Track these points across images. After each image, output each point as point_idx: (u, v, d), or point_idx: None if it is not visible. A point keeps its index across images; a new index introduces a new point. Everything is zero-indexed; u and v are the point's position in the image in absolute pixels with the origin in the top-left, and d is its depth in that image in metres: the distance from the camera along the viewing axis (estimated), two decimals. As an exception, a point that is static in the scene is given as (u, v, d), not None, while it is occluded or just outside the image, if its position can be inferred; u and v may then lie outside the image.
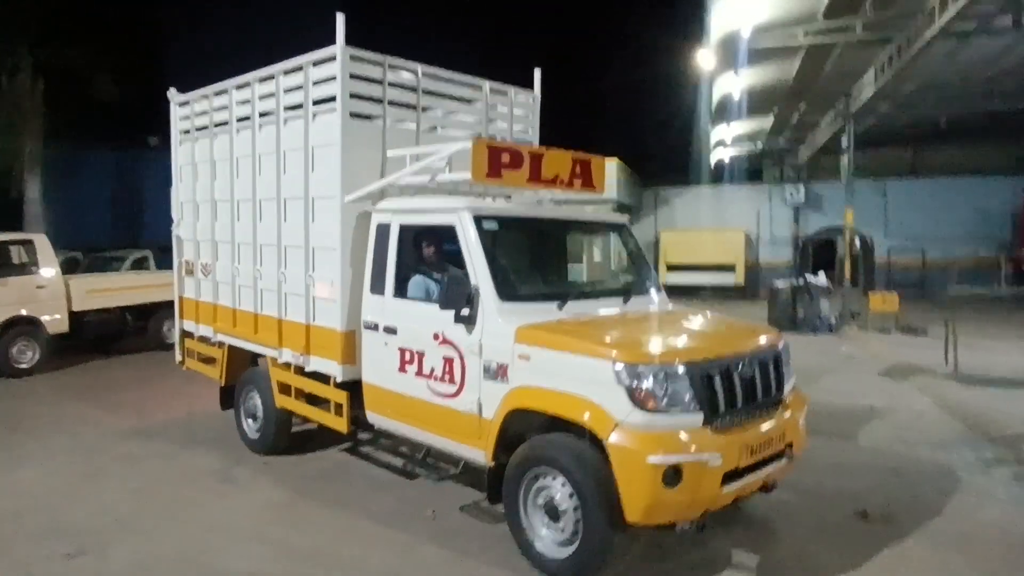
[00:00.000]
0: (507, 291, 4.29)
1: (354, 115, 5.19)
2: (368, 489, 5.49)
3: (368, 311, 5.08)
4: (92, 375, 10.23)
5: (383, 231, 5.02)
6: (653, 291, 5.23)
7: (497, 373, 4.14)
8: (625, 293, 4.98)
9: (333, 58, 5.12)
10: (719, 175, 25.14)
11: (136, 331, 12.12)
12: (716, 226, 22.63)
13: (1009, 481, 5.57)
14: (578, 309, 4.50)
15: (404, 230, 4.90)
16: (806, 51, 11.70)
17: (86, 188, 22.24)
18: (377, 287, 5.02)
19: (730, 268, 22.15)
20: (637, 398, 3.56)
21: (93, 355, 11.46)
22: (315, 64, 5.36)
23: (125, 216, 23.01)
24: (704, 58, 13.61)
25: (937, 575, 4.04)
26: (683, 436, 3.58)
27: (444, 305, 4.28)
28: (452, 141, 5.85)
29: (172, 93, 7.29)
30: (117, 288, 11.76)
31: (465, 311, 4.26)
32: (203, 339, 7.09)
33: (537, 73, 6.50)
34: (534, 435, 4.10)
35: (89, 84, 18.18)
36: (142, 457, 6.32)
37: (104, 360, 11.30)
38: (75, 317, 10.84)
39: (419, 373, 4.66)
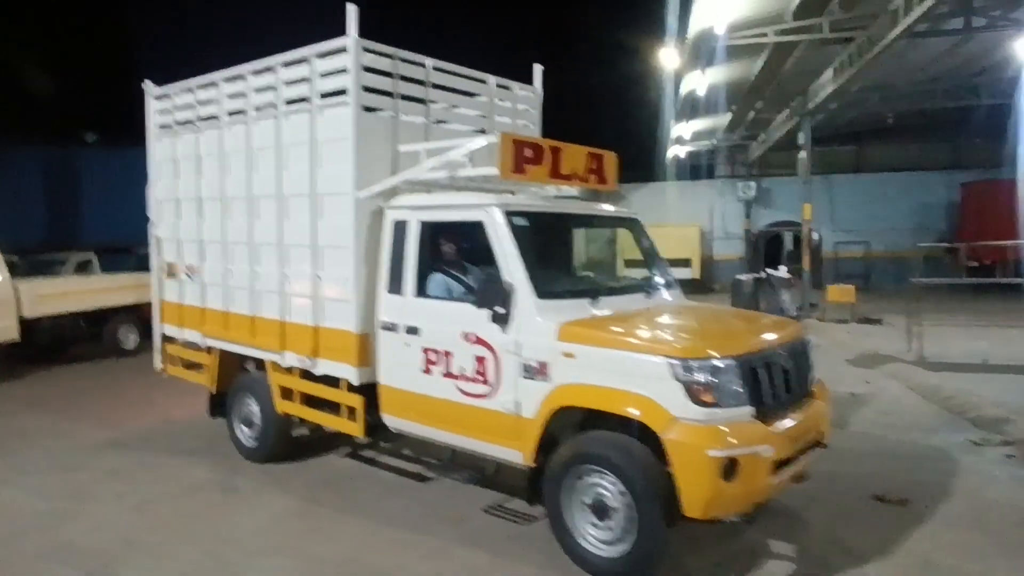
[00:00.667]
0: (543, 288, 4.21)
1: (366, 109, 5.02)
2: (381, 494, 5.34)
3: (386, 311, 4.93)
4: (50, 385, 9.66)
5: (400, 228, 4.88)
6: (670, 286, 5.25)
7: (537, 372, 4.07)
8: (646, 288, 4.98)
9: (343, 50, 4.94)
10: (679, 172, 25.62)
11: (90, 337, 11.54)
12: (673, 222, 23.06)
13: (1001, 460, 5.83)
14: (608, 305, 4.47)
15: (425, 227, 4.77)
16: (771, 50, 12.00)
17: (15, 188, 20.97)
18: (395, 286, 4.87)
19: (686, 263, 22.62)
20: (693, 393, 3.56)
21: (47, 364, 10.83)
22: (321, 56, 5.17)
23: (60, 217, 21.81)
24: (668, 56, 13.82)
25: (965, 553, 4.18)
26: (738, 429, 3.59)
27: (481, 304, 4.18)
28: (458, 136, 5.79)
29: (148, 85, 6.92)
30: (70, 293, 11.15)
31: (500, 310, 4.17)
32: (190, 344, 6.76)
33: (537, 69, 6.43)
34: (569, 434, 4.05)
35: (19, 76, 17.16)
36: (128, 470, 5.98)
37: (60, 369, 10.69)
38: (26, 324, 10.22)
39: (446, 374, 4.55)
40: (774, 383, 3.91)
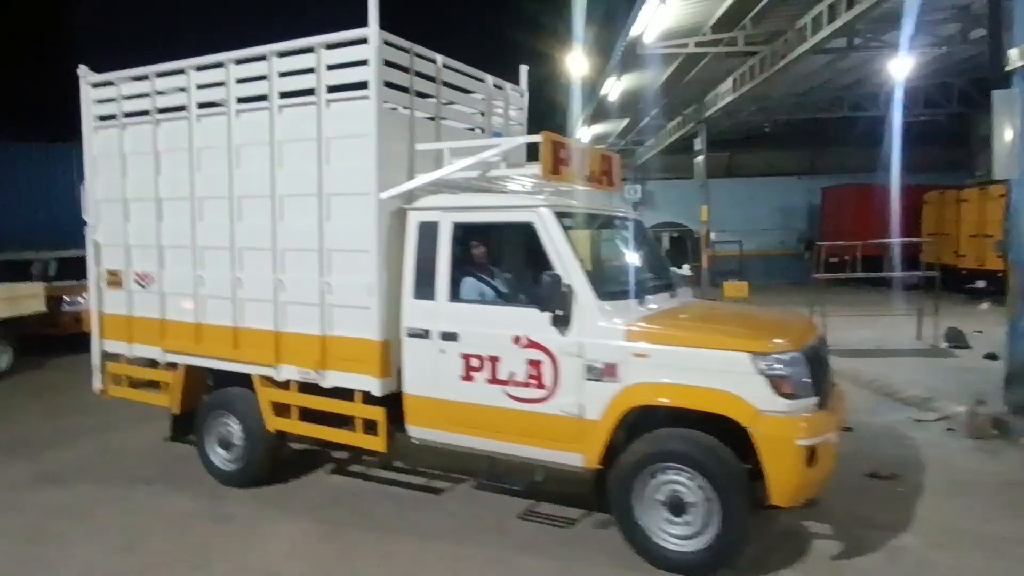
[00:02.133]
0: (601, 289, 4.21)
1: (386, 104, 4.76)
2: (399, 509, 5.08)
3: (414, 317, 4.69)
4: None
5: (428, 230, 4.67)
6: (682, 284, 5.42)
7: (604, 373, 4.06)
8: (668, 287, 5.11)
9: (362, 41, 4.64)
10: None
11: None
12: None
13: (945, 433, 6.56)
14: (651, 304, 4.55)
15: (458, 228, 4.60)
16: (682, 60, 12.69)
17: None
18: (424, 291, 4.66)
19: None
20: (776, 386, 3.71)
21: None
22: (330, 47, 4.83)
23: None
24: (578, 62, 14.21)
25: (972, 517, 4.68)
26: (814, 418, 3.79)
27: (544, 307, 4.10)
28: (458, 135, 5.65)
29: (84, 71, 6.11)
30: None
31: (561, 312, 4.12)
32: (148, 361, 6.06)
33: (523, 70, 6.40)
34: (620, 436, 4.08)
35: None
36: (83, 507, 5.24)
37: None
38: None
39: (492, 379, 4.42)
40: (822, 373, 4.16)
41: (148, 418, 7.08)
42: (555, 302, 4.08)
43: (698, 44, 11.30)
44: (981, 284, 16.18)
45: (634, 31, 10.37)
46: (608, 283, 4.37)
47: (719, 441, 3.83)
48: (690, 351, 3.89)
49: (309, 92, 5.01)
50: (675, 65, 13.15)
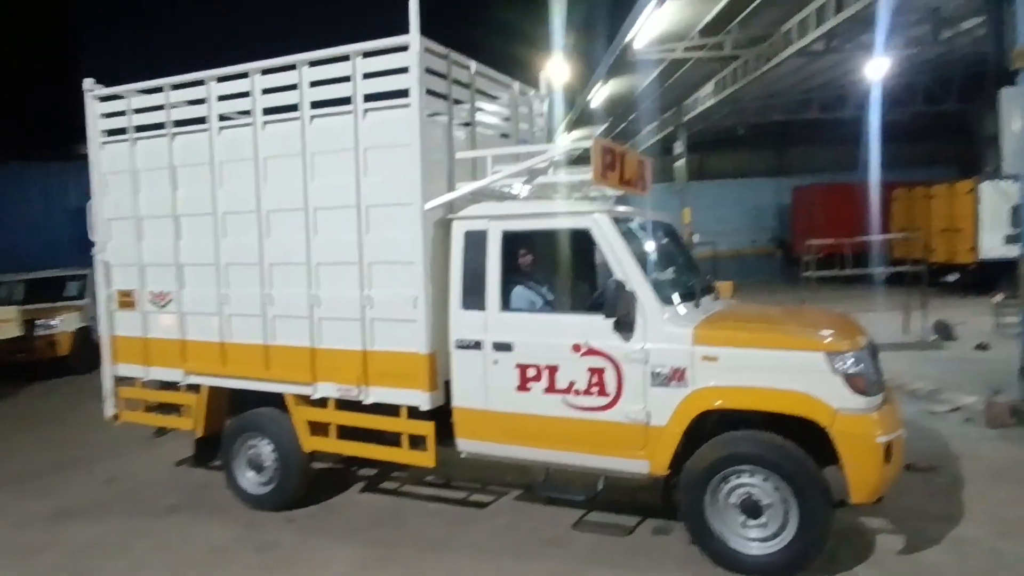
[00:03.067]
0: (663, 294, 4.19)
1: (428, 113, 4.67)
2: (448, 526, 4.96)
3: (463, 329, 4.60)
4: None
5: (476, 240, 4.58)
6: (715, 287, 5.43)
7: (670, 378, 4.03)
8: (710, 289, 5.11)
9: (403, 48, 4.55)
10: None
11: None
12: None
13: (964, 424, 6.71)
14: (705, 307, 4.54)
15: (507, 237, 4.52)
16: (666, 64, 12.84)
17: None
18: (473, 301, 4.57)
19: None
20: (852, 384, 3.72)
21: None
22: (367, 55, 4.72)
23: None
24: (559, 69, 14.25)
25: (1021, 507, 4.77)
26: (886, 415, 3.82)
27: (609, 313, 4.05)
28: (488, 141, 5.58)
29: (90, 84, 5.86)
30: None
31: (625, 318, 4.07)
32: (163, 384, 5.82)
33: (543, 76, 6.37)
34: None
35: None
36: (112, 541, 5.00)
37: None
38: None
39: (550, 389, 4.35)
40: (880, 370, 4.21)
41: (143, 444, 6.88)
42: (620, 308, 4.03)
43: (686, 48, 11.46)
44: (952, 278, 16.71)
45: (628, 35, 10.45)
46: (665, 288, 4.34)
47: (791, 441, 3.83)
48: (762, 352, 3.89)
49: (340, 101, 4.89)
50: (660, 70, 13.30)
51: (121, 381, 6.06)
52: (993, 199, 14.21)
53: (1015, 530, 4.39)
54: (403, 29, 4.49)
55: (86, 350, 12.35)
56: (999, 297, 10.68)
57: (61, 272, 13.35)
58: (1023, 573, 3.90)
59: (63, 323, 11.95)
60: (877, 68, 13.74)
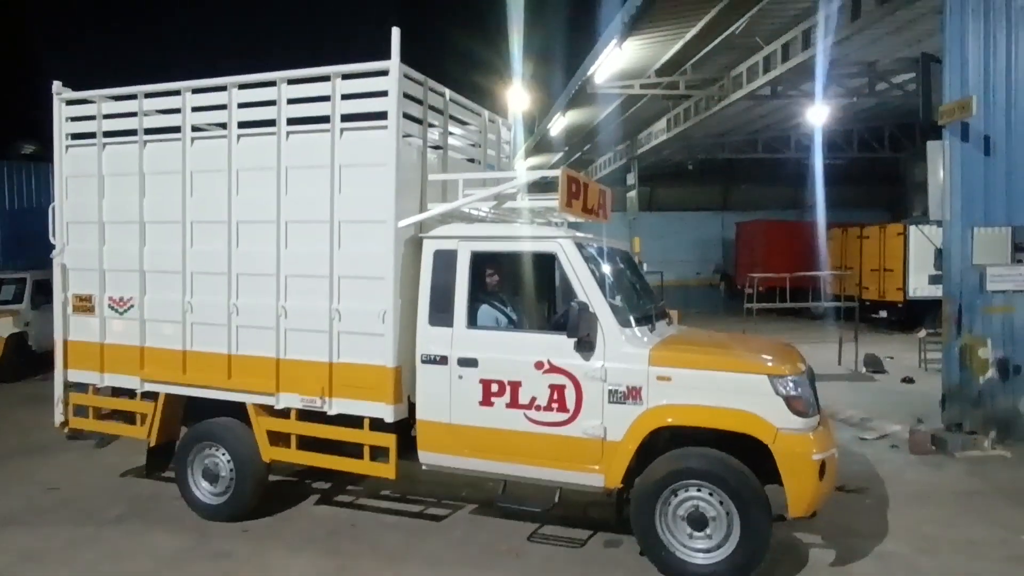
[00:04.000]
0: (622, 318, 4.45)
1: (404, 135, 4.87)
2: (406, 538, 5.05)
3: (429, 344, 4.76)
4: None
5: (445, 258, 4.77)
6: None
7: (626, 396, 4.27)
8: (664, 315, 5.41)
9: (383, 73, 4.74)
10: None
11: None
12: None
13: (890, 450, 7.18)
14: (659, 331, 4.82)
15: (476, 257, 4.73)
16: (624, 99, 13.36)
17: None
18: (440, 318, 4.74)
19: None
20: (793, 406, 4.04)
21: None
22: (346, 77, 4.89)
23: None
24: (518, 97, 14.65)
25: (942, 523, 5.18)
26: (821, 435, 4.15)
27: (571, 333, 4.27)
28: (458, 165, 5.80)
29: (59, 88, 5.84)
30: None
31: (587, 338, 4.31)
32: (115, 391, 5.77)
33: (510, 105, 6.64)
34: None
35: None
36: (53, 550, 4.90)
37: None
38: None
39: (512, 404, 4.54)
40: (817, 394, 4.55)
41: (84, 454, 6.78)
42: (582, 328, 4.27)
43: (642, 86, 11.98)
44: (883, 314, 17.67)
45: (589, 70, 10.89)
46: (623, 311, 4.60)
47: (735, 458, 4.11)
48: (712, 374, 4.18)
49: (317, 120, 5.04)
50: (617, 103, 13.83)
51: (72, 387, 5.97)
52: (921, 242, 15.16)
53: (933, 546, 4.76)
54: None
55: (18, 357, 11.96)
56: (923, 332, 11.41)
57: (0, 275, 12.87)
58: (939, 585, 4.26)
59: None
60: (818, 114, 14.60)
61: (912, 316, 16.02)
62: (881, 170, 22.96)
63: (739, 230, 24.29)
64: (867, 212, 22.43)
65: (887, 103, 14.79)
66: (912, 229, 15.92)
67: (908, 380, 10.71)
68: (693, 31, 10.23)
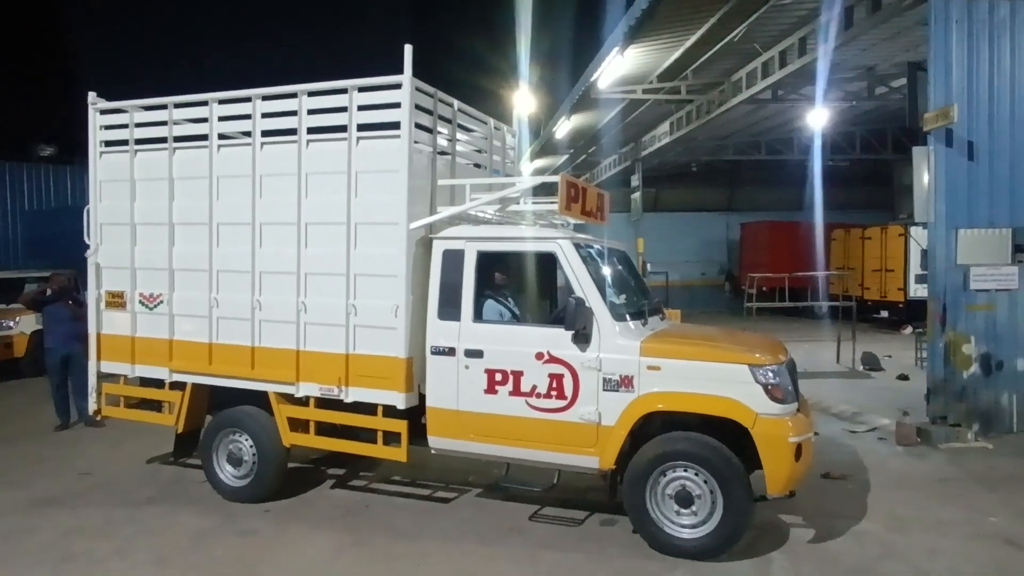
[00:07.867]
0: (616, 312, 4.82)
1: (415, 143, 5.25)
2: (416, 518, 5.43)
3: (438, 337, 5.14)
4: None
5: (453, 258, 5.15)
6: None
7: (619, 384, 4.65)
8: (657, 310, 5.78)
9: (397, 86, 5.13)
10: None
11: None
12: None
13: (877, 442, 7.51)
14: (652, 325, 5.19)
15: (482, 256, 5.11)
16: (627, 103, 13.72)
17: None
18: (449, 312, 5.12)
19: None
20: (771, 393, 4.40)
21: None
22: (363, 90, 5.29)
23: None
24: (524, 100, 15.04)
25: (914, 506, 5.52)
26: (798, 420, 4.51)
27: (568, 326, 4.65)
28: (465, 170, 6.18)
29: (94, 98, 6.27)
30: None
31: (584, 331, 4.69)
32: (145, 381, 6.19)
33: (515, 114, 7.02)
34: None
35: None
36: (95, 527, 5.30)
37: None
38: None
39: (515, 392, 4.92)
40: (796, 383, 4.91)
41: (111, 444, 7.30)
42: (579, 322, 4.65)
43: (645, 91, 12.34)
44: (884, 314, 17.95)
45: (592, 76, 11.26)
46: (618, 306, 4.97)
47: (719, 441, 4.48)
48: (698, 364, 4.55)
49: (335, 129, 5.43)
50: (620, 108, 14.18)
51: (104, 378, 6.40)
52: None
53: (905, 526, 5.12)
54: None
55: (42, 353, 12.40)
56: (908, 330, 11.70)
57: (22, 273, 13.33)
58: (907, 558, 4.60)
59: (20, 325, 11.96)
60: (818, 117, 14.91)
61: (913, 316, 16.29)
62: (884, 172, 23.09)
63: (743, 231, 24.59)
64: (870, 213, 22.64)
65: (887, 106, 15.06)
66: (914, 231, 16.18)
67: (903, 377, 11.01)
68: (693, 38, 10.58)
